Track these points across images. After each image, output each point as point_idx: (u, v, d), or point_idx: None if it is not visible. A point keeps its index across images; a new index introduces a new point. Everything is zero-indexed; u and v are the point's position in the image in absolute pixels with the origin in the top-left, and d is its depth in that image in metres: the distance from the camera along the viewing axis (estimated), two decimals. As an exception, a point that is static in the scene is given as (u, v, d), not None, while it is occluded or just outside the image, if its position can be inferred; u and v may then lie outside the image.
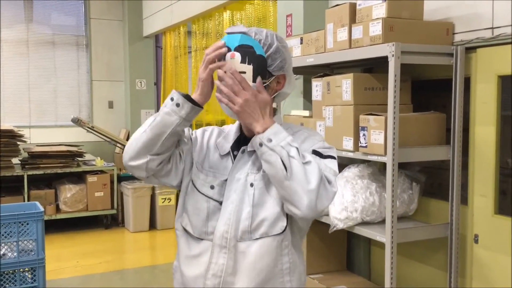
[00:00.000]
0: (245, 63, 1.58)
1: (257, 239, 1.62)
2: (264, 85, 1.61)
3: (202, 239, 1.67)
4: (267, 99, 1.59)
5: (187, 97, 1.62)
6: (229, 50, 1.60)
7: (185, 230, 1.72)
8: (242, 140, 1.71)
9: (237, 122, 1.75)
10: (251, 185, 1.63)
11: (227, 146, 1.72)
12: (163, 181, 1.73)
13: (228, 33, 1.62)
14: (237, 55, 1.59)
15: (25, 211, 3.34)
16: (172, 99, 1.62)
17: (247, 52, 1.59)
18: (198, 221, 1.68)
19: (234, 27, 1.63)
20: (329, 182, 1.55)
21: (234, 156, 1.69)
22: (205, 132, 1.79)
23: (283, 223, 1.62)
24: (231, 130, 1.76)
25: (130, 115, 7.69)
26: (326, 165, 1.59)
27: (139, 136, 1.65)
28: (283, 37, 3.78)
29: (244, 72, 1.58)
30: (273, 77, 1.65)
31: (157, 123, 1.62)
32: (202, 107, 1.65)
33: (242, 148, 1.67)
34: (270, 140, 1.53)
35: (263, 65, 1.61)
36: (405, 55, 2.59)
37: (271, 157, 1.52)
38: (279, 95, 1.71)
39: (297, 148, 1.52)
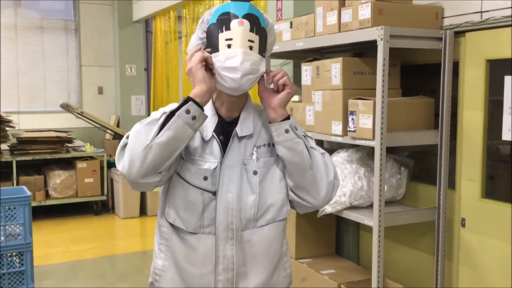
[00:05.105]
0: (253, 32, 1.52)
1: (262, 226, 1.60)
2: None
3: (197, 233, 1.58)
4: None
5: (198, 105, 1.47)
6: (234, 17, 1.52)
7: (173, 226, 1.61)
8: (226, 124, 1.61)
9: (208, 104, 1.58)
10: (255, 172, 1.58)
11: (210, 130, 1.58)
12: (159, 185, 1.58)
13: (234, 0, 1.55)
14: (246, 23, 1.51)
15: (12, 196, 3.32)
16: (188, 111, 1.44)
17: (254, 22, 1.53)
18: (191, 215, 1.57)
19: None
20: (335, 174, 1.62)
21: (221, 141, 1.58)
22: None
23: (287, 207, 1.63)
24: (206, 111, 1.53)
25: (120, 101, 7.63)
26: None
27: (144, 153, 1.43)
28: (273, 21, 3.79)
29: (253, 41, 1.51)
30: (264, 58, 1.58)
31: (169, 140, 1.43)
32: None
33: (234, 133, 1.58)
34: (296, 129, 1.54)
35: (265, 39, 1.56)
36: (394, 39, 2.58)
37: (298, 146, 1.53)
38: None
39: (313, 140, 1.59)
